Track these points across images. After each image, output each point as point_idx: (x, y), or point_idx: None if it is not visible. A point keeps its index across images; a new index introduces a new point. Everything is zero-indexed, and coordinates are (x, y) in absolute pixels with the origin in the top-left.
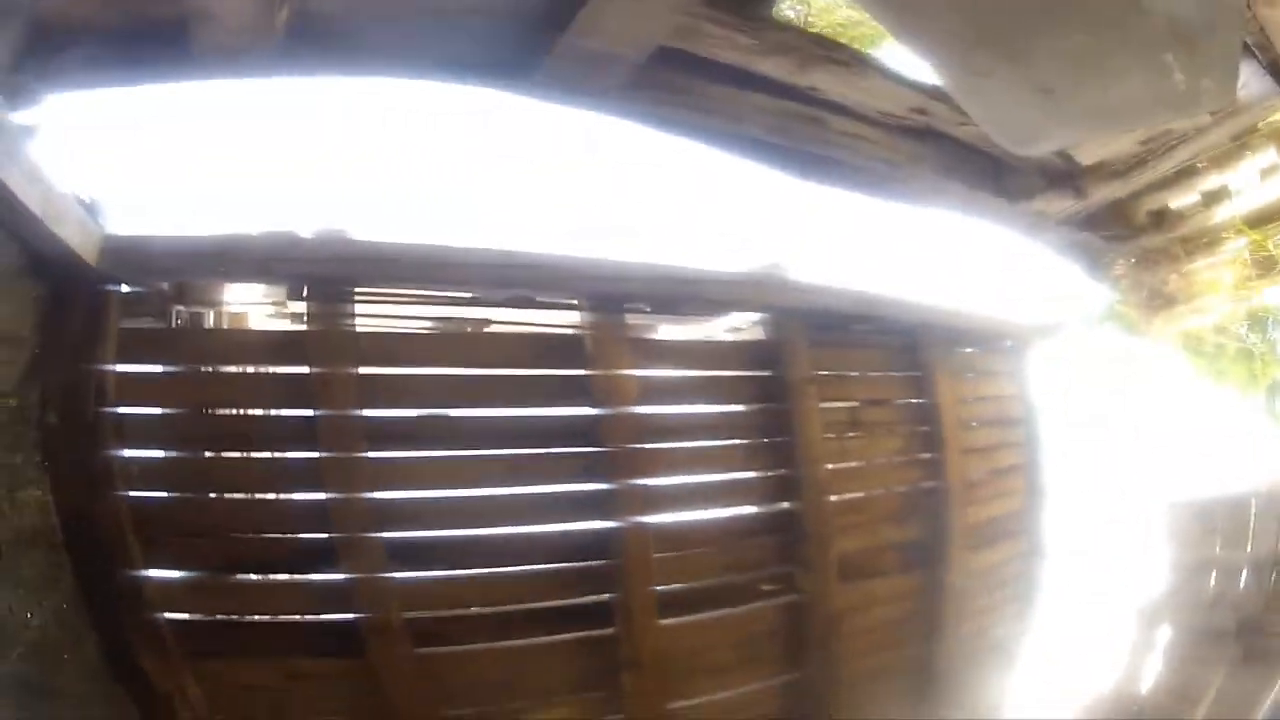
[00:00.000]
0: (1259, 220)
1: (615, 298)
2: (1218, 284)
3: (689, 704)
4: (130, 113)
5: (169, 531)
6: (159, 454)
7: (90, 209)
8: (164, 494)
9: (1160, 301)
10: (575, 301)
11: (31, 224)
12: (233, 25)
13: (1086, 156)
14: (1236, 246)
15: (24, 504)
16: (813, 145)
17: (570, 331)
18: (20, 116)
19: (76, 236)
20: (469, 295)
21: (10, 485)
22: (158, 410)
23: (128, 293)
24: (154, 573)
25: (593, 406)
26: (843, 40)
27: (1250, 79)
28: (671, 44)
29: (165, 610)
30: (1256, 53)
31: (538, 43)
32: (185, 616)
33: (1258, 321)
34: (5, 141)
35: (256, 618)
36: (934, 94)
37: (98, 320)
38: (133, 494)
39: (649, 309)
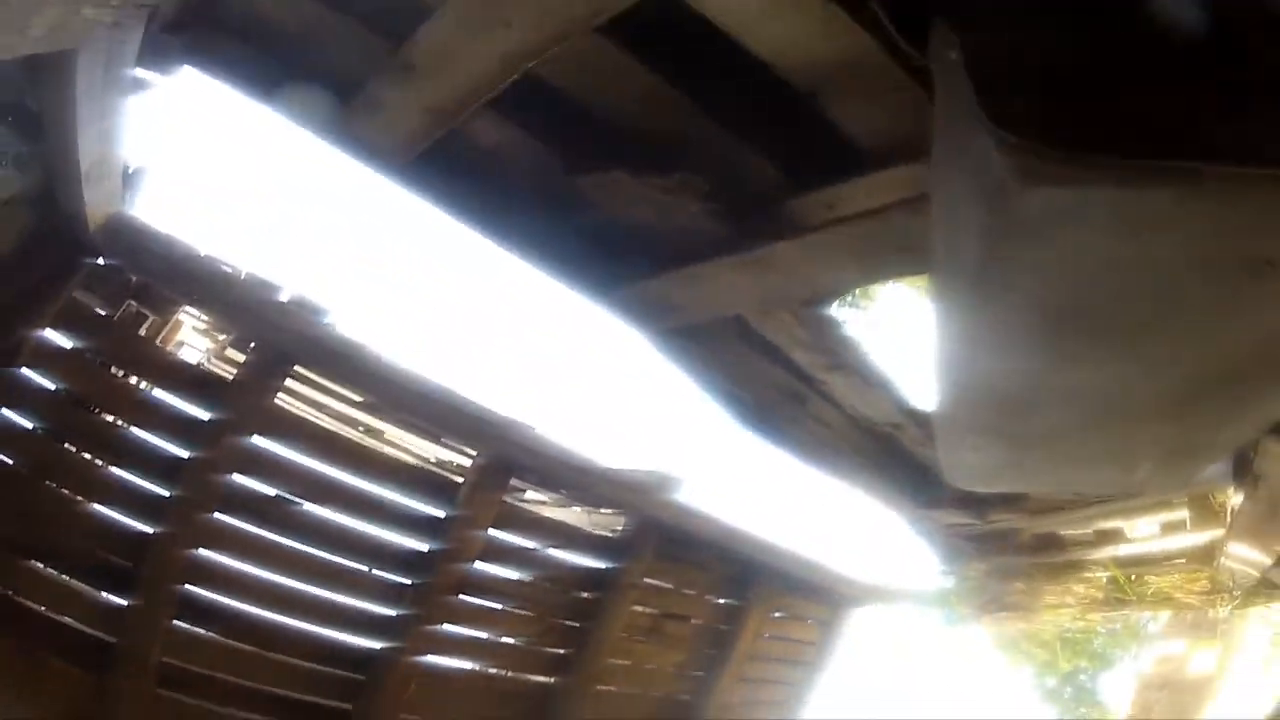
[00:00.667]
0: (1130, 563)
1: (510, 463)
2: (1060, 607)
3: None
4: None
5: None
6: (22, 422)
7: (130, 180)
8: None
9: (999, 607)
10: (473, 453)
11: (69, 175)
12: (394, 131)
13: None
14: (1096, 578)
15: None
16: (783, 413)
17: (453, 476)
18: (144, 72)
19: (97, 200)
20: (384, 408)
21: None
22: (49, 383)
23: (100, 266)
24: None
25: (434, 546)
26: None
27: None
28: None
29: None
30: None
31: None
32: None
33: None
34: (111, 92)
35: (28, 603)
36: (914, 417)
37: (56, 279)
38: None
39: (534, 481)
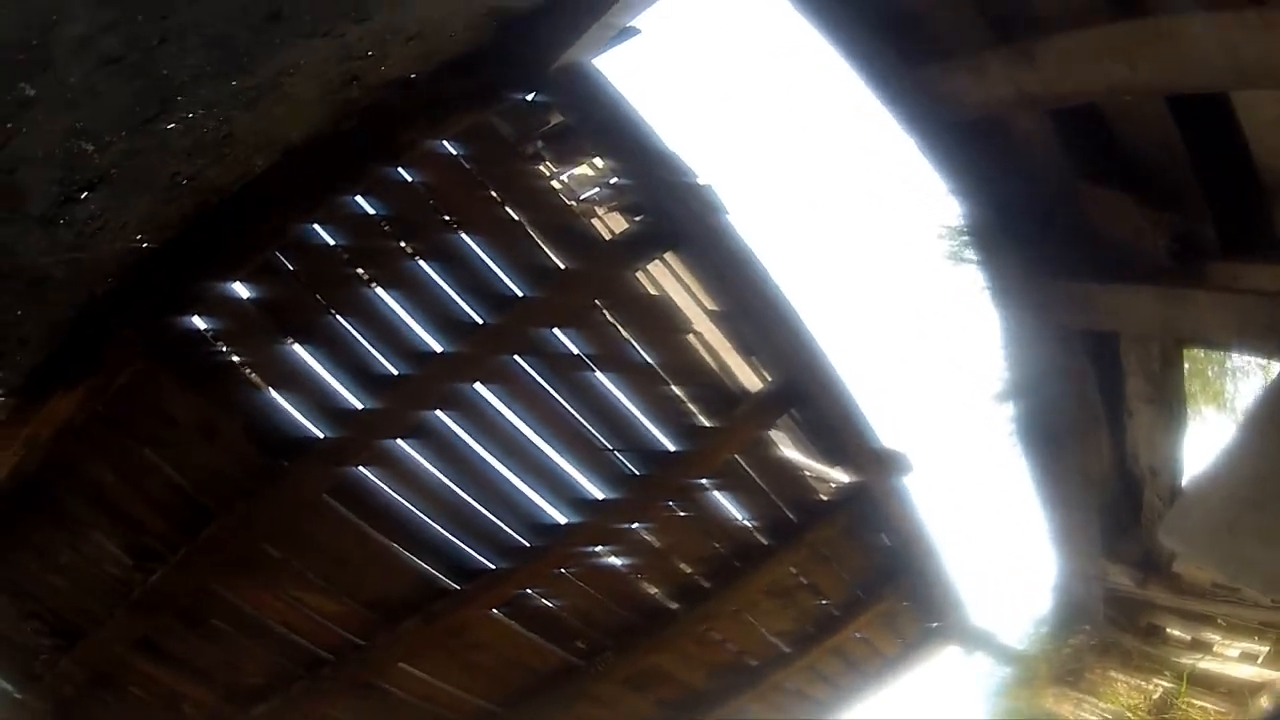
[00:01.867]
0: (1196, 680)
1: (795, 398)
2: (1116, 697)
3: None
4: None
5: None
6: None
7: (618, 36)
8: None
9: (1073, 682)
10: (770, 378)
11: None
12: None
13: (1179, 565)
14: (1159, 684)
15: None
16: (1067, 432)
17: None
18: None
19: (581, 45)
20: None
21: None
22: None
23: (529, 102)
24: None
25: (680, 448)
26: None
27: None
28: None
29: None
30: None
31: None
32: None
33: None
34: None
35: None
36: (1176, 468)
37: (483, 98)
38: None
39: (801, 421)
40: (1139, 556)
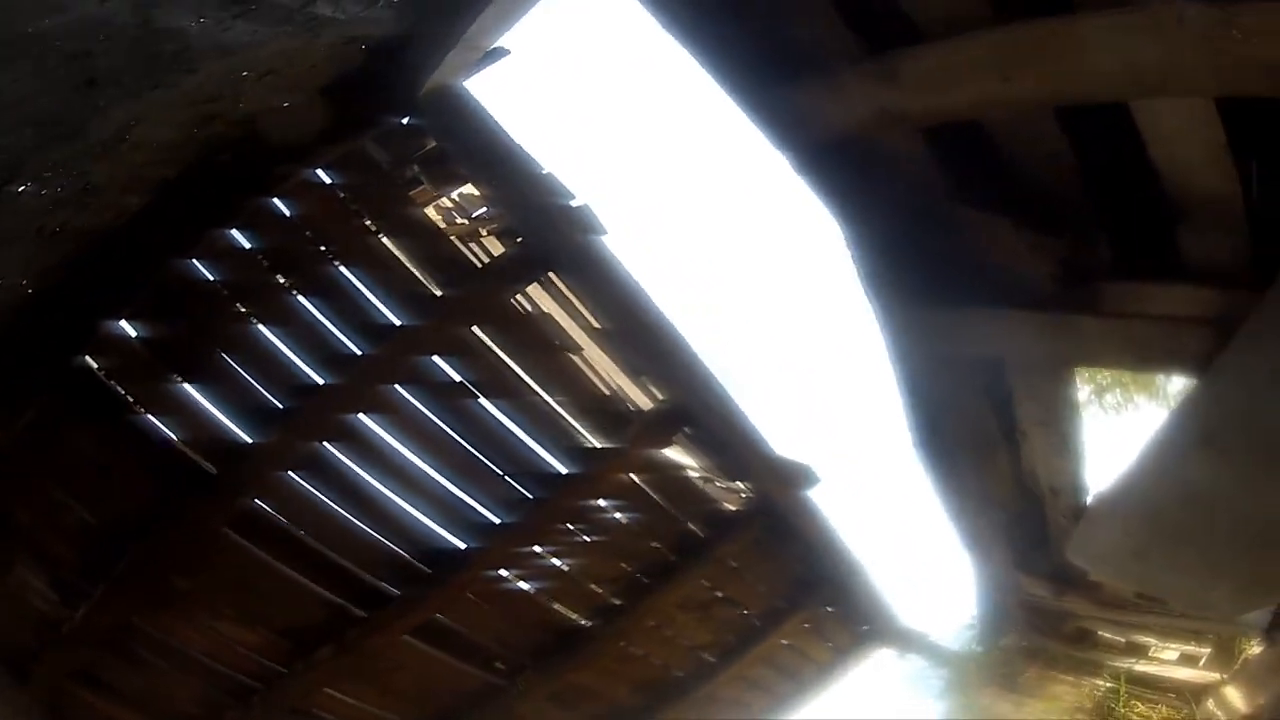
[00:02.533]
0: (1136, 681)
1: (687, 416)
2: (1055, 699)
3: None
4: None
5: None
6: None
7: (485, 57)
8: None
9: (1008, 686)
10: (661, 397)
11: (444, 44)
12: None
13: (1100, 579)
14: (1098, 686)
15: None
16: (966, 449)
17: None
18: None
19: (447, 68)
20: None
21: None
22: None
23: (403, 126)
24: None
25: (574, 471)
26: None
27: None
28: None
29: None
30: None
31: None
32: None
33: None
34: None
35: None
36: (1077, 490)
37: (357, 127)
38: None
39: (695, 438)
40: (1052, 570)
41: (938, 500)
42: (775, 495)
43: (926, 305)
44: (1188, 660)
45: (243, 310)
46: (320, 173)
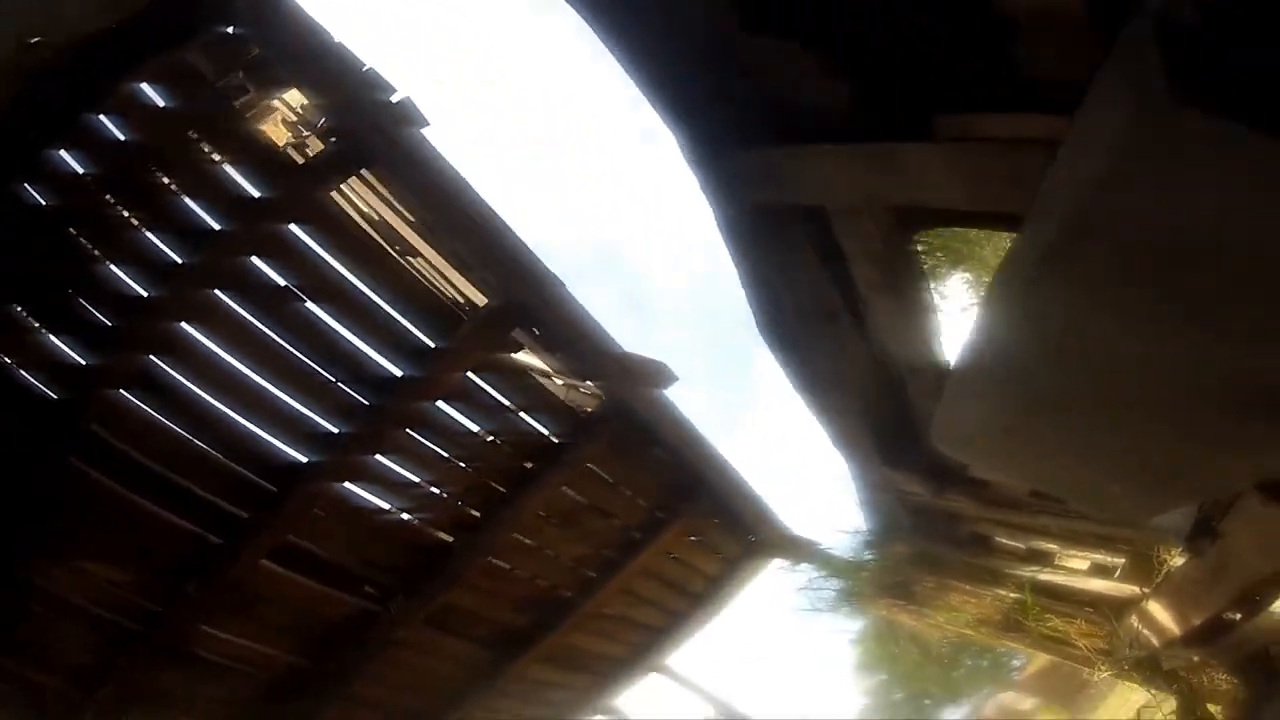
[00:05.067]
0: (1044, 592)
1: (522, 311)
2: (955, 612)
3: (215, 635)
4: None
5: None
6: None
7: None
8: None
9: (902, 595)
10: (489, 282)
11: None
12: None
13: (980, 472)
14: (1004, 596)
15: None
16: (812, 328)
17: (460, 312)
18: None
19: None
20: (435, 227)
21: None
22: (120, 133)
23: (227, 34)
24: None
25: (409, 373)
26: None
27: (1176, 515)
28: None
29: None
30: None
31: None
32: None
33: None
34: None
35: None
36: (932, 365)
37: (179, 36)
38: None
39: (535, 336)
40: (923, 463)
41: (796, 392)
42: (629, 396)
43: (729, 150)
44: (1100, 572)
45: (72, 232)
46: (145, 87)
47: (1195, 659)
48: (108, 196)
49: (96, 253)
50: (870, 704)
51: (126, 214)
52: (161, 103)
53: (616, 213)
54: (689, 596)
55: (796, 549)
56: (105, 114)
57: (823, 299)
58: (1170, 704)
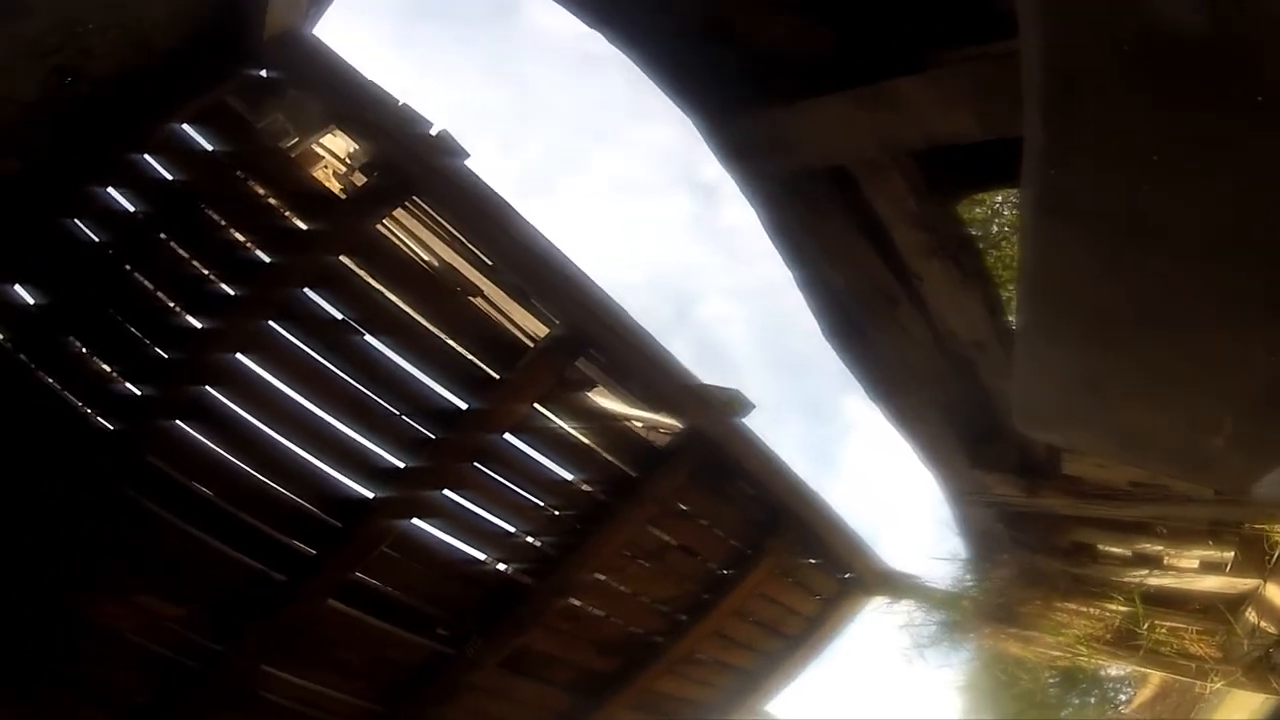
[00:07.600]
0: (1157, 600)
1: (586, 339)
2: (1065, 630)
3: (279, 677)
4: None
5: None
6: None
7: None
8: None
9: (1008, 620)
10: (556, 321)
11: None
12: None
13: (1071, 465)
14: (1113, 610)
15: None
16: (873, 312)
17: (524, 340)
18: None
19: (279, 10)
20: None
21: None
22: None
23: (261, 77)
24: None
25: (473, 405)
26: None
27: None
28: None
29: None
30: None
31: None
32: None
33: (1069, 679)
34: None
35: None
36: (1000, 332)
37: (214, 79)
38: None
39: (602, 365)
40: (1013, 460)
41: (871, 399)
42: (705, 425)
43: (739, 114)
44: (1211, 568)
45: (124, 265)
46: (187, 127)
47: None
48: (160, 234)
49: (149, 285)
50: None
51: (176, 247)
52: (206, 145)
53: (685, 262)
54: (785, 638)
55: (895, 584)
56: (149, 153)
57: (875, 280)
58: None
